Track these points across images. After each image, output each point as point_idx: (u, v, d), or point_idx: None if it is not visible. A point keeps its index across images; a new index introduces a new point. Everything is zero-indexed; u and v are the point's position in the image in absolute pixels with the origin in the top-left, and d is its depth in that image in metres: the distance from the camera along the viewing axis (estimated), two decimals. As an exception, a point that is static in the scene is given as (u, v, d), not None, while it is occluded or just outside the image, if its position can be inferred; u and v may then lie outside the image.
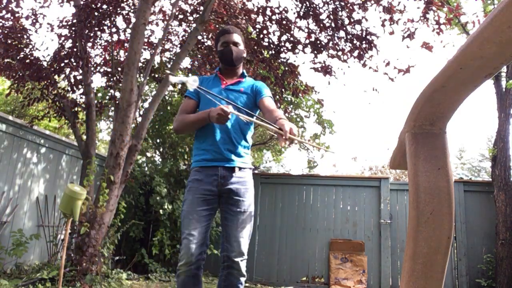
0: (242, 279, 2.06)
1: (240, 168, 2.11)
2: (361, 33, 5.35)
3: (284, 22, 5.58)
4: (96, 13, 5.23)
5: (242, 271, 2.04)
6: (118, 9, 5.55)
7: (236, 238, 2.04)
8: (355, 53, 5.46)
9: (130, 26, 5.60)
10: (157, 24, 6.56)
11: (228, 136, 2.10)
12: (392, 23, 5.12)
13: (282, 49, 5.72)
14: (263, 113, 2.10)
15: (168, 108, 6.97)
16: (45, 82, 5.21)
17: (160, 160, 7.23)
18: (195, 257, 2.00)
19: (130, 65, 4.51)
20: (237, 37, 2.27)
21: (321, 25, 5.39)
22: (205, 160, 2.11)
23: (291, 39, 5.61)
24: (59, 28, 5.50)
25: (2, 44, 4.81)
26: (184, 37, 6.43)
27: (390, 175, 13.40)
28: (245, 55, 2.32)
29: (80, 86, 5.46)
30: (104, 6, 5.35)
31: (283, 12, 5.53)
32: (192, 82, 1.89)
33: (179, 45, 6.50)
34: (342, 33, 5.44)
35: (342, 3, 5.23)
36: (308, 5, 5.35)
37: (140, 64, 5.14)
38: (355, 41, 5.40)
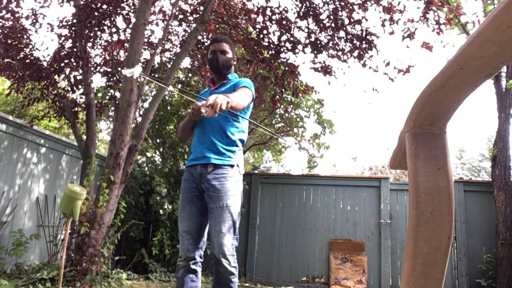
0: (232, 277, 2.04)
1: (215, 165, 2.15)
2: (361, 33, 5.35)
3: (284, 22, 5.57)
4: (96, 13, 5.23)
5: (228, 269, 2.02)
6: (118, 9, 5.54)
7: (216, 234, 2.06)
8: (355, 53, 5.45)
9: (130, 26, 5.60)
10: (157, 24, 6.56)
11: (207, 136, 2.23)
12: (392, 23, 5.12)
13: (282, 49, 5.71)
14: None
15: (168, 108, 6.97)
16: (45, 82, 5.21)
17: (160, 160, 7.23)
18: (191, 253, 2.12)
19: (130, 65, 4.51)
20: (225, 46, 2.38)
21: (321, 25, 5.38)
22: (190, 160, 2.29)
23: (291, 39, 5.61)
24: (59, 28, 5.49)
25: (2, 44, 4.81)
26: (184, 37, 6.43)
27: (390, 175, 13.40)
28: (234, 62, 2.43)
29: (80, 86, 5.45)
30: (104, 6, 5.35)
31: (283, 12, 5.52)
32: (137, 70, 2.01)
33: (179, 45, 6.49)
34: (342, 33, 5.44)
35: (342, 3, 5.22)
36: (308, 5, 5.35)
37: (140, 64, 5.14)
38: (355, 41, 5.40)
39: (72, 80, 5.43)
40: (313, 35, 5.50)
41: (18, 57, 4.97)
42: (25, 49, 5.10)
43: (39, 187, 5.14)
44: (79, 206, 3.48)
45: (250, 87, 2.24)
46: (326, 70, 5.69)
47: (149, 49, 6.30)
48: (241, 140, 2.29)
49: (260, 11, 5.62)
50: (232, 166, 2.18)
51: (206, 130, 2.23)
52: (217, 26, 5.92)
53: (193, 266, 2.12)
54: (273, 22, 5.62)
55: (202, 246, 2.18)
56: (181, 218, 2.20)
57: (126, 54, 4.85)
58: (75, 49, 5.22)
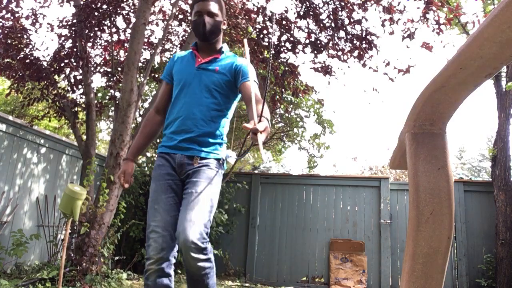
0: (202, 276, 1.64)
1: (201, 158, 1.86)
2: (361, 33, 5.35)
3: (284, 22, 5.58)
4: (96, 13, 5.23)
5: (193, 268, 1.61)
6: (118, 9, 5.55)
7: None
8: (355, 53, 5.45)
9: (130, 26, 5.60)
10: (157, 24, 6.56)
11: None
12: (392, 23, 5.12)
13: (282, 49, 5.71)
14: (244, 101, 1.81)
15: (168, 108, 6.96)
16: (45, 82, 5.21)
17: (160, 160, 7.22)
18: (166, 253, 1.73)
19: (130, 65, 4.51)
20: (213, 6, 1.90)
21: (321, 25, 5.38)
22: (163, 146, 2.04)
23: (291, 39, 5.61)
24: (59, 28, 5.49)
25: (2, 44, 4.81)
26: (184, 37, 6.43)
27: (390, 175, 13.39)
28: (224, 27, 1.98)
29: (80, 86, 5.45)
30: (104, 6, 5.35)
31: (283, 12, 5.53)
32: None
33: (179, 45, 6.49)
34: (342, 33, 5.44)
35: (342, 3, 5.23)
36: (308, 5, 5.35)
37: (140, 64, 5.13)
38: (355, 41, 5.40)
39: (72, 80, 5.43)
40: (313, 35, 5.50)
41: (18, 57, 4.96)
42: (25, 49, 5.10)
43: (39, 187, 5.14)
44: (79, 206, 3.48)
45: (256, 79, 1.84)
46: (326, 70, 5.69)
47: (149, 49, 6.30)
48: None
49: (260, 11, 5.62)
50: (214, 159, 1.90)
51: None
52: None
53: (167, 270, 1.73)
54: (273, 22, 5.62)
55: (176, 244, 1.76)
56: (154, 211, 1.77)
57: (126, 54, 4.85)
58: (75, 49, 5.22)
